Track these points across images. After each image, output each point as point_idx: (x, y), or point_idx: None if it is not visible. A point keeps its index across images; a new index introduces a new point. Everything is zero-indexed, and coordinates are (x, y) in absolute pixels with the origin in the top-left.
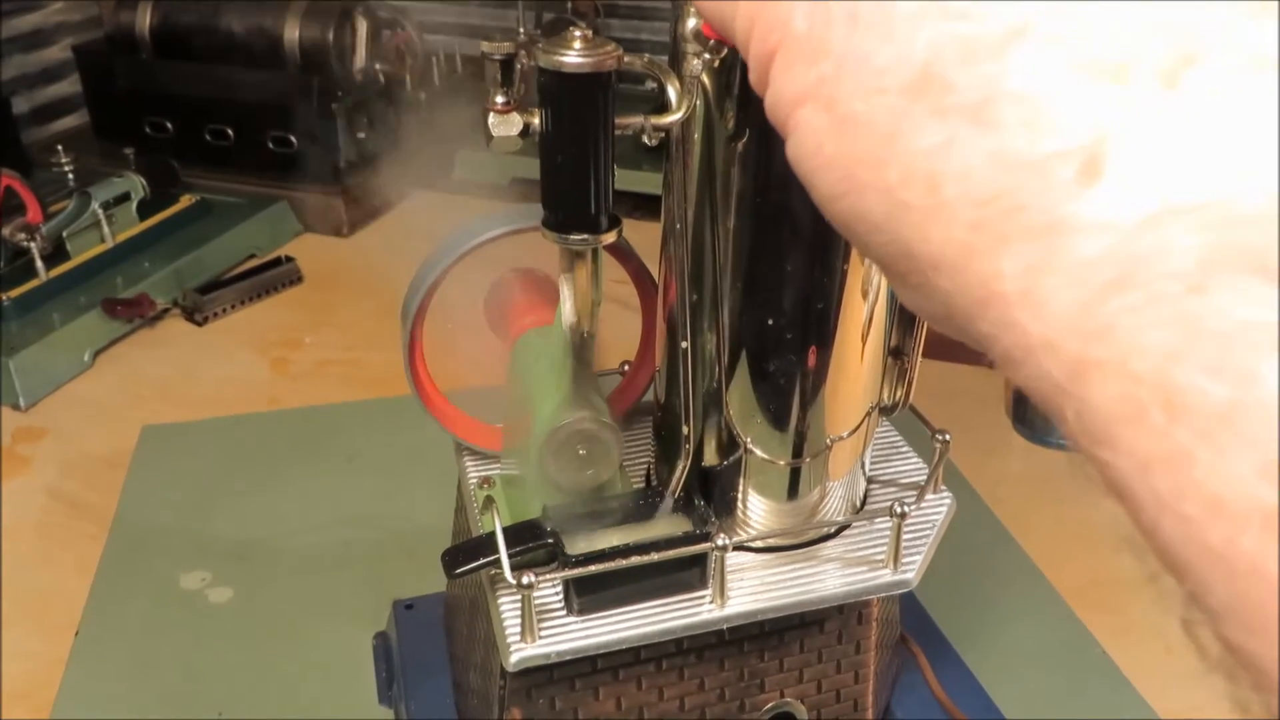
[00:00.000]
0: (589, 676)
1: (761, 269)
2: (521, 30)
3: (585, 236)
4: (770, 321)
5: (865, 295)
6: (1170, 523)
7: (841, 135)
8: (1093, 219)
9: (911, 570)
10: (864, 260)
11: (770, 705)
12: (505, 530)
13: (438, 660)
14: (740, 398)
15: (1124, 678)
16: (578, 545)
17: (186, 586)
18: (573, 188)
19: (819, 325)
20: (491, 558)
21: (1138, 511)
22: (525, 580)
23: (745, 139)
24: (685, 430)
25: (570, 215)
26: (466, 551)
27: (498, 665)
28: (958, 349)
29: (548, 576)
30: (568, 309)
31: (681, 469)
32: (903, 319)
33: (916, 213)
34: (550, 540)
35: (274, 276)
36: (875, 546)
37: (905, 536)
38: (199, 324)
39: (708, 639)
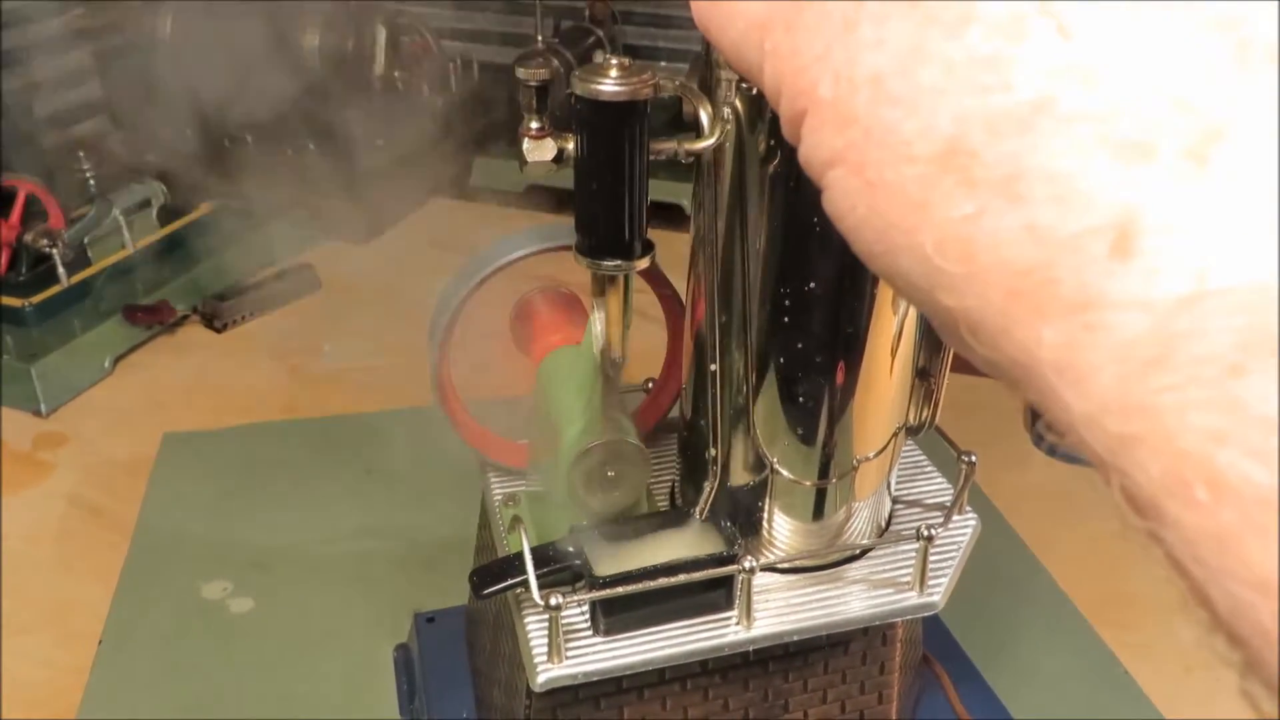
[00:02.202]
0: (614, 696)
1: (791, 291)
2: (539, 38)
3: (619, 263)
4: (799, 344)
5: (894, 317)
6: (1221, 597)
7: (874, 199)
8: (1128, 297)
9: (938, 593)
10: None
11: None
12: (533, 551)
13: (460, 674)
14: (768, 419)
15: (1146, 698)
16: (605, 566)
17: (208, 596)
18: (606, 214)
19: (848, 347)
20: (519, 579)
21: (1189, 581)
22: (554, 601)
23: (776, 161)
24: (713, 452)
25: (603, 241)
26: (494, 572)
27: (523, 684)
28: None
29: (575, 598)
30: (598, 333)
31: (709, 490)
32: (930, 340)
33: (952, 278)
34: (578, 561)
35: (293, 284)
36: (901, 568)
37: (931, 559)
38: (218, 331)
39: (733, 659)
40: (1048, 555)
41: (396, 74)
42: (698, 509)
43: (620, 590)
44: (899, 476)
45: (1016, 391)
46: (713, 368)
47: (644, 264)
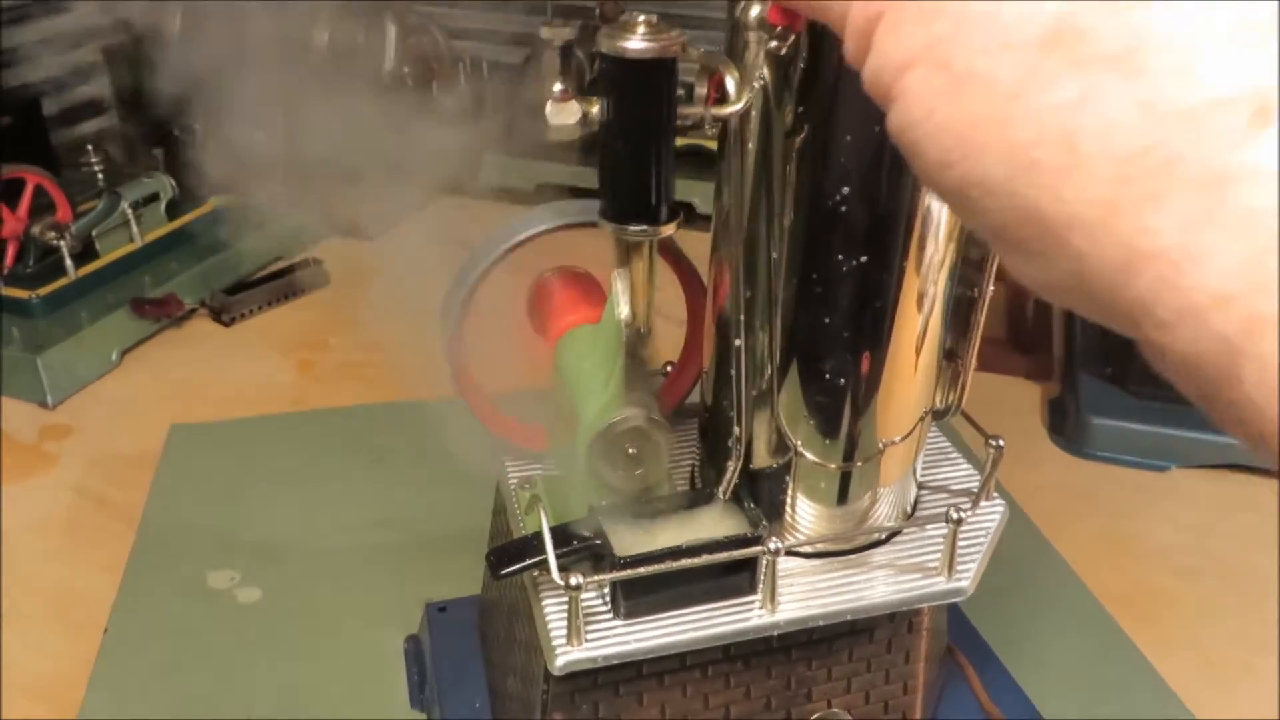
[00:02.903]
0: (633, 682)
1: (818, 266)
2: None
3: (644, 227)
4: (826, 320)
5: (923, 295)
6: None
7: (958, 96)
8: (1260, 167)
9: (966, 578)
10: (922, 260)
11: (817, 716)
12: (552, 530)
13: (472, 664)
14: (792, 398)
15: (1170, 690)
16: (626, 547)
17: (215, 586)
18: (632, 177)
19: (875, 324)
20: (538, 558)
21: None
22: (574, 581)
23: (804, 133)
24: (736, 431)
25: (629, 205)
26: (512, 552)
27: (540, 669)
28: (994, 360)
29: (596, 578)
30: (623, 305)
31: (732, 470)
32: (958, 320)
33: (1048, 173)
34: (598, 541)
35: (301, 278)
36: (928, 554)
37: (959, 544)
38: (226, 325)
39: (755, 645)
40: (1065, 550)
41: (406, 70)
42: (721, 489)
43: (642, 571)
44: (925, 462)
45: (1099, 305)
46: (737, 343)
47: (670, 229)
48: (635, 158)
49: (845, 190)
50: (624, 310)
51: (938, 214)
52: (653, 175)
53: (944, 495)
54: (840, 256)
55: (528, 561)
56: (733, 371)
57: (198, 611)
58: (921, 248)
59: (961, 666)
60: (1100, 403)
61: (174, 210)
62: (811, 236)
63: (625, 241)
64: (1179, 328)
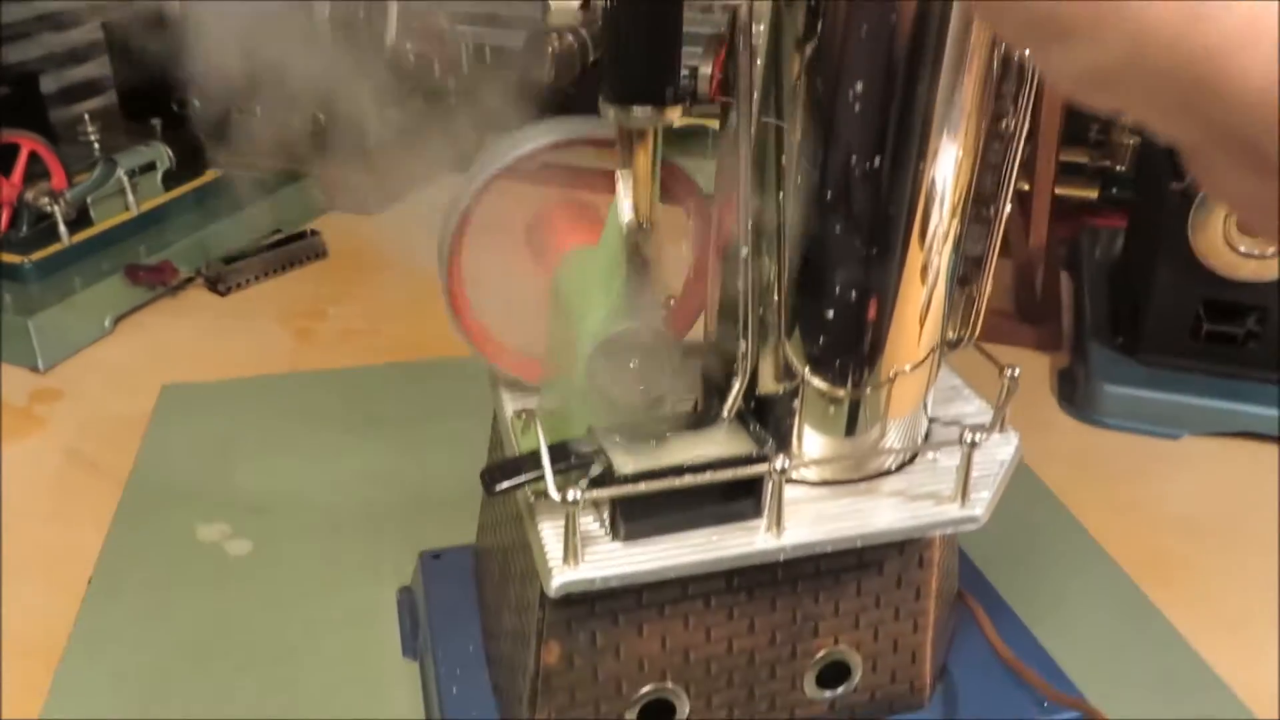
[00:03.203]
0: (633, 611)
1: (829, 170)
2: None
3: (649, 109)
4: (836, 229)
5: (939, 202)
6: None
7: None
8: None
9: (980, 506)
10: (939, 167)
11: (823, 653)
12: (550, 448)
13: (466, 609)
14: (799, 318)
15: (1191, 648)
16: (627, 465)
17: (204, 538)
18: (637, 54)
19: (887, 234)
20: (535, 474)
21: None
22: (571, 496)
23: (817, 28)
24: (743, 346)
25: (634, 85)
26: (507, 468)
27: (536, 596)
28: (1002, 331)
29: (595, 494)
30: (626, 207)
31: (738, 388)
32: (975, 231)
33: None
34: (597, 459)
35: (299, 249)
36: (941, 483)
37: (973, 473)
38: (222, 294)
39: (760, 577)
40: (1080, 516)
41: (408, 46)
42: (726, 408)
43: (642, 488)
44: (936, 400)
45: (1147, 81)
46: (744, 251)
47: (675, 114)
48: (640, 33)
49: (859, 87)
50: (627, 212)
51: (956, 117)
52: (658, 52)
53: (956, 429)
54: (854, 159)
55: (524, 477)
56: (740, 284)
57: (186, 563)
58: (939, 153)
59: (972, 609)
60: (1111, 371)
61: (171, 181)
62: (823, 138)
63: (629, 128)
64: (1231, 124)
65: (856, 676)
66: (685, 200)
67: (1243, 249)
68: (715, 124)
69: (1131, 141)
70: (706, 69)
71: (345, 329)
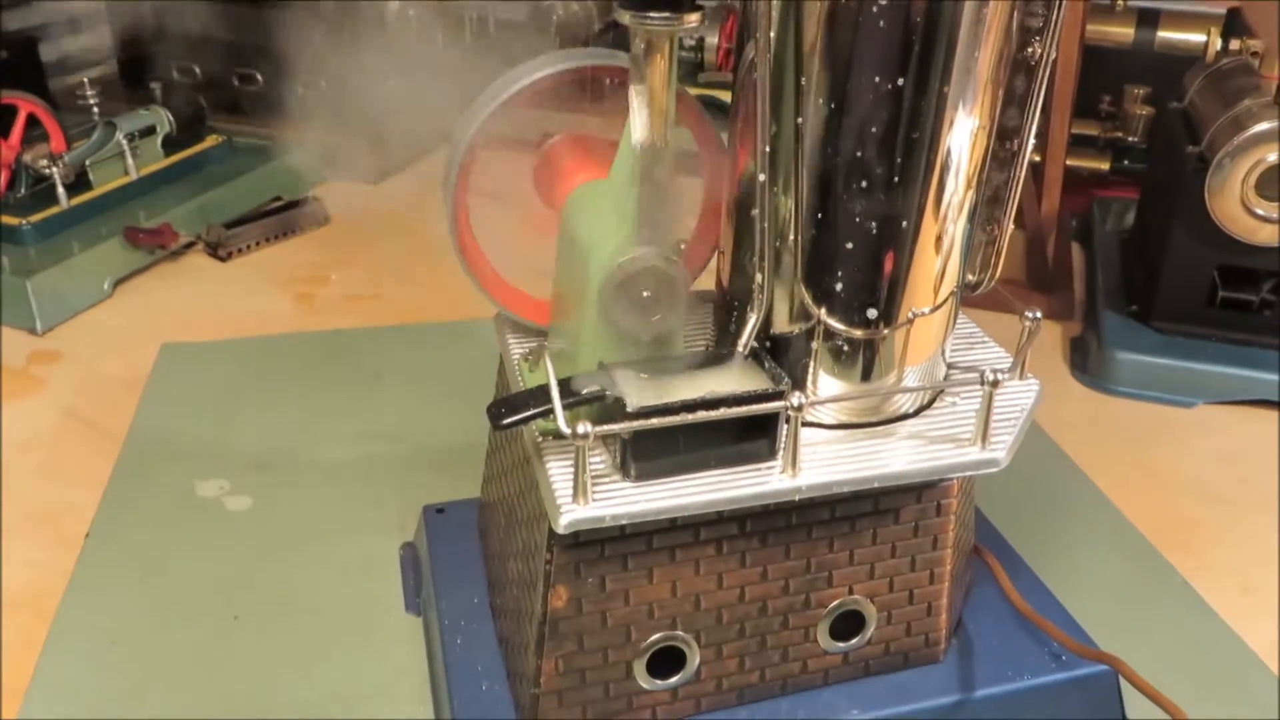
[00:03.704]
0: (643, 555)
1: (850, 89)
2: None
3: (666, 16)
4: (858, 153)
5: (961, 127)
6: None
7: None
8: None
9: (1001, 449)
10: (964, 89)
11: (837, 603)
12: (560, 382)
13: (470, 562)
14: (817, 249)
15: (1209, 607)
16: (638, 400)
17: (203, 494)
18: None
19: (908, 159)
20: (544, 407)
21: None
22: (581, 430)
23: None
24: (759, 279)
25: None
26: (515, 403)
27: (544, 539)
28: (1014, 300)
29: (605, 428)
30: (639, 127)
31: (754, 322)
32: (997, 163)
33: None
34: (607, 393)
35: (301, 215)
36: (960, 426)
37: (994, 415)
38: (222, 260)
39: (774, 522)
40: (1096, 481)
41: (411, 14)
42: (741, 342)
43: (654, 423)
44: (954, 347)
45: None
46: (761, 178)
47: (694, 20)
48: None
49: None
50: (640, 130)
51: (981, 36)
52: None
53: (975, 375)
54: (877, 78)
55: (532, 410)
56: (756, 213)
57: (184, 518)
58: (963, 76)
59: (989, 564)
60: (1124, 338)
61: (171, 147)
62: (844, 57)
63: (645, 35)
64: None
65: (871, 628)
66: (696, 133)
67: (1260, 212)
68: (726, 95)
69: (1143, 112)
70: (714, 39)
71: (346, 294)
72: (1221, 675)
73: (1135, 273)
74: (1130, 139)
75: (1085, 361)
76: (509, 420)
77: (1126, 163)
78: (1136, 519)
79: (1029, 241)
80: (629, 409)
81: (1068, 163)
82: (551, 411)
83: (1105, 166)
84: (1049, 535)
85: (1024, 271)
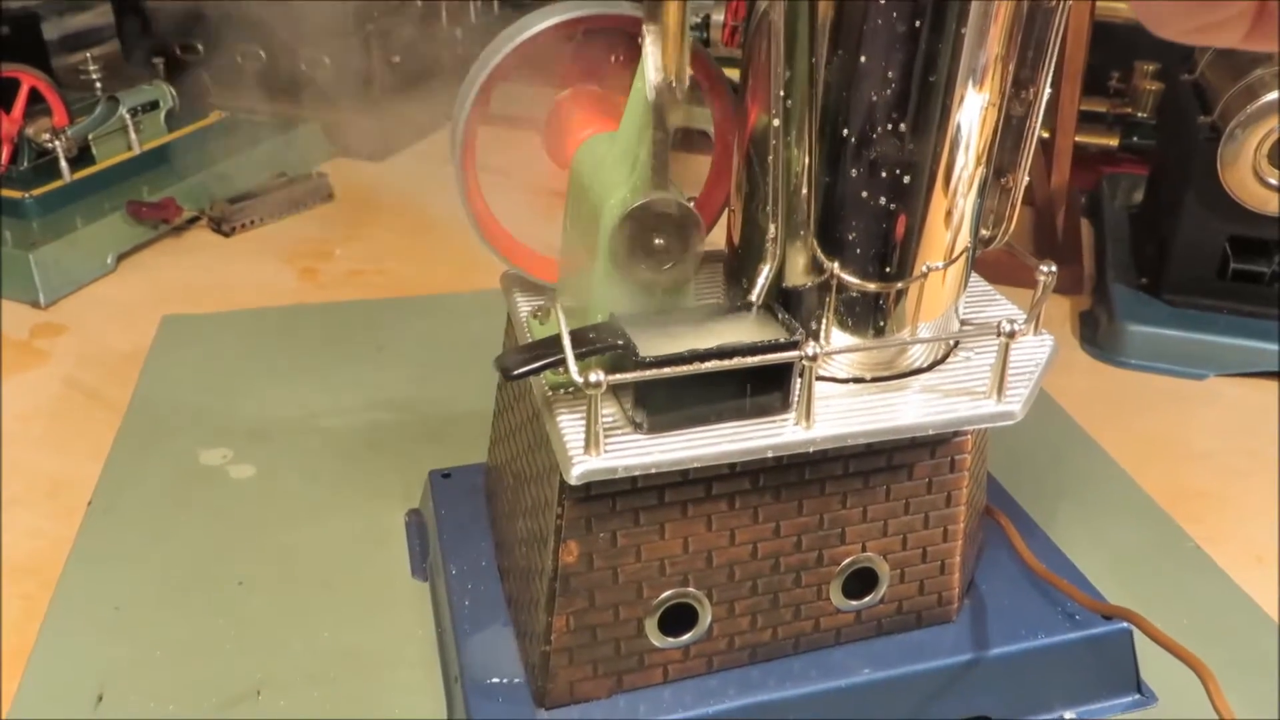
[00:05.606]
0: (654, 510)
1: (867, 30)
2: None
3: None
4: (873, 97)
5: (977, 75)
6: None
7: None
8: None
9: (1017, 401)
10: (983, 31)
11: (850, 560)
12: (571, 332)
13: (477, 525)
14: (831, 198)
15: (1223, 571)
16: (650, 349)
17: (206, 463)
18: None
19: (925, 103)
20: (555, 357)
21: None
22: (593, 379)
23: None
24: (773, 230)
25: None
26: (525, 354)
27: (555, 494)
28: (1022, 274)
29: (617, 377)
30: (652, 69)
31: (768, 272)
32: (1009, 133)
33: None
34: (619, 343)
35: (305, 191)
36: (975, 379)
37: (1009, 369)
38: (226, 235)
39: (786, 477)
40: (1108, 450)
41: None
42: (755, 294)
43: (666, 372)
44: (967, 304)
45: None
46: (775, 123)
47: None
48: None
49: None
50: (653, 72)
51: None
52: None
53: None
54: (894, 18)
55: (543, 361)
56: (770, 158)
57: (187, 486)
58: (983, 15)
59: (1001, 524)
60: (1135, 311)
61: (174, 122)
62: None
63: None
64: None
65: (884, 586)
66: (705, 86)
67: (1273, 181)
68: (733, 73)
69: (1153, 88)
70: (719, 16)
71: (350, 269)
72: (1236, 638)
73: (1145, 247)
74: (1139, 115)
75: (1095, 335)
76: (521, 370)
77: (1136, 139)
78: (1148, 488)
79: (1038, 215)
80: (641, 357)
81: (1076, 139)
82: (563, 361)
83: (1114, 143)
84: (1060, 499)
85: (1033, 246)
